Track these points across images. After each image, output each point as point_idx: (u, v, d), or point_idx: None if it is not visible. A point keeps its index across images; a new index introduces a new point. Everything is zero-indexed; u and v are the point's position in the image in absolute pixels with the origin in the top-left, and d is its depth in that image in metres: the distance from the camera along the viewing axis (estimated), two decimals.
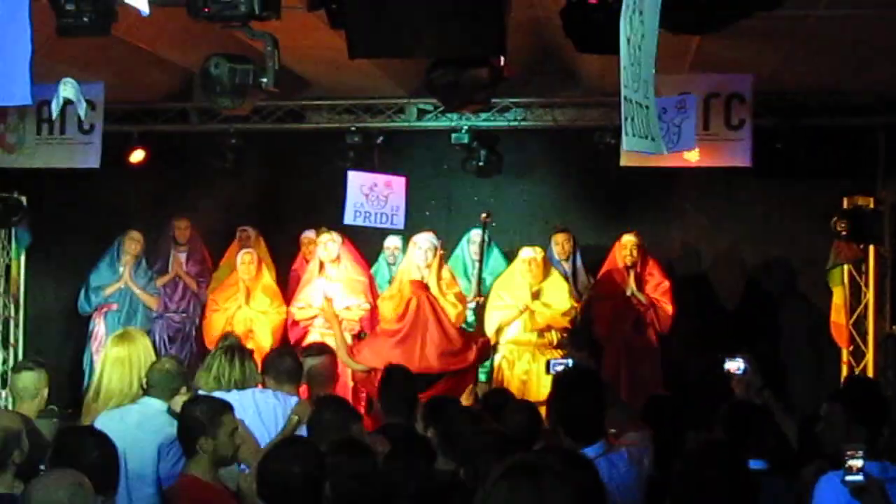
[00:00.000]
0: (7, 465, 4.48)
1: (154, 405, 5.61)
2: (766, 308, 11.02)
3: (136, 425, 5.35)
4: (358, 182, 9.77)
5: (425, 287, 8.62)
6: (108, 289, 10.46)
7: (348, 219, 9.78)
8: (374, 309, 9.57)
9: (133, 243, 10.52)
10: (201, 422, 4.75)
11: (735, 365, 5.65)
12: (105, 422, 5.40)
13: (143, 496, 5.29)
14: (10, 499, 4.45)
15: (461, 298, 9.63)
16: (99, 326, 10.45)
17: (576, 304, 9.77)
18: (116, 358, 6.18)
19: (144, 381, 5.81)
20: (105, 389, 6.10)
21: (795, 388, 10.25)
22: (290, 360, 6.39)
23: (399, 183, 9.89)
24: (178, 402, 5.54)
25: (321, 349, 7.29)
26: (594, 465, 3.48)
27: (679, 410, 5.68)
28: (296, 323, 9.79)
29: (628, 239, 10.11)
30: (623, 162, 9.64)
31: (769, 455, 4.96)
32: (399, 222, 9.92)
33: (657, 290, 10.09)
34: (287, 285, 10.60)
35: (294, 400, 5.99)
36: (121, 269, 10.50)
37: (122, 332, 6.65)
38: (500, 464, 3.21)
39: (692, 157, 9.46)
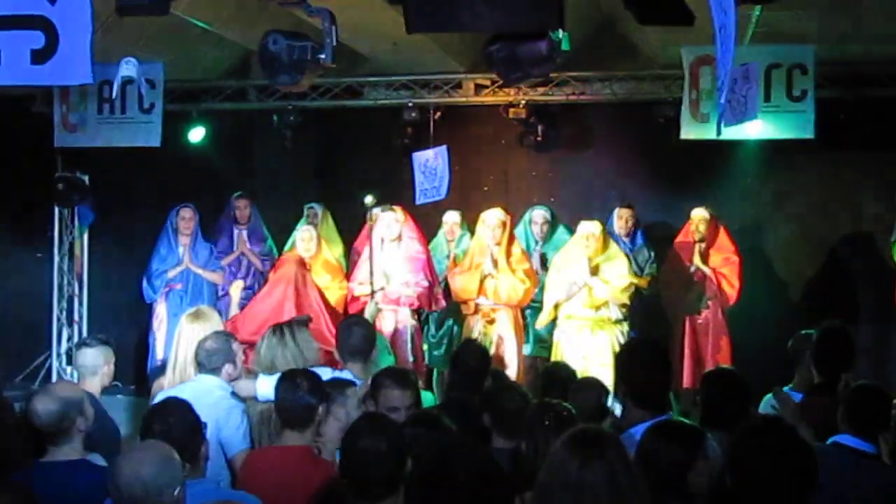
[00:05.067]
0: (71, 431, 4.55)
1: (207, 380, 5.67)
2: (830, 281, 10.86)
3: (193, 401, 5.41)
4: (419, 162, 9.68)
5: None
6: (171, 272, 10.33)
7: (419, 200, 9.63)
8: (431, 286, 9.54)
9: (186, 222, 10.34)
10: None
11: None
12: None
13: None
14: (85, 464, 4.53)
15: (530, 275, 9.57)
16: (160, 306, 10.36)
17: (635, 280, 9.67)
18: (187, 336, 6.24)
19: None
20: (175, 366, 6.17)
21: (860, 363, 10.09)
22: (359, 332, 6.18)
23: (442, 153, 9.75)
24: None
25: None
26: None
27: (741, 384, 5.60)
28: (355, 299, 9.79)
29: (696, 213, 10.05)
30: (683, 135, 9.57)
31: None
32: (442, 192, 9.65)
33: (725, 264, 9.99)
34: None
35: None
36: (180, 249, 10.38)
37: (195, 310, 6.66)
38: (566, 436, 3.20)
39: (753, 130, 9.33)
